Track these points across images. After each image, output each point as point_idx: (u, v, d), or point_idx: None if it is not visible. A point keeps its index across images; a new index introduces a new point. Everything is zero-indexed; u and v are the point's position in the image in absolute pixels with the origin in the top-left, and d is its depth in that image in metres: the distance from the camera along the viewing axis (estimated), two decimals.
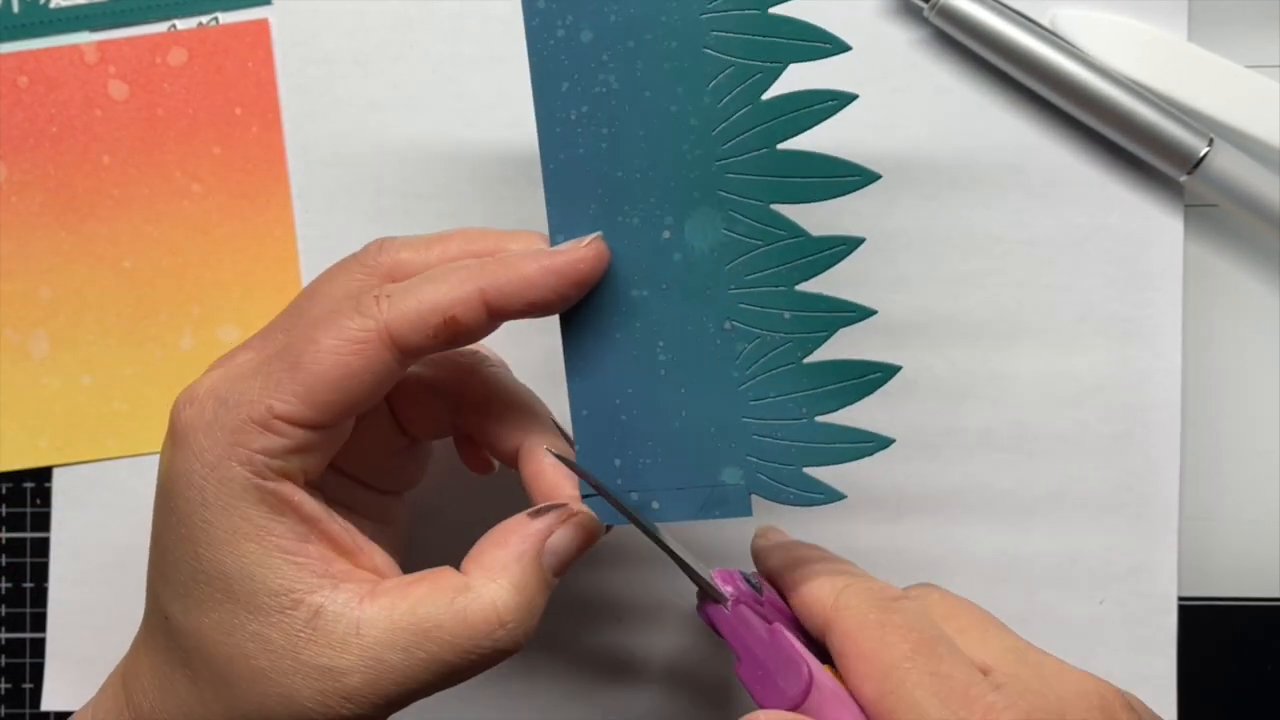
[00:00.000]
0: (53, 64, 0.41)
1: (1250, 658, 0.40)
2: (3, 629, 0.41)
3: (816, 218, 0.39)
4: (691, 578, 0.30)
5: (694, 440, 0.30)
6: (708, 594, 0.30)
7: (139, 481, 0.40)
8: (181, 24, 0.40)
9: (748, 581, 0.30)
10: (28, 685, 0.41)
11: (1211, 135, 0.37)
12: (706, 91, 0.29)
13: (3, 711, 0.41)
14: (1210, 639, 0.40)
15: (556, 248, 0.29)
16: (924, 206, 0.39)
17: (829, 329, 0.29)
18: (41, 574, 0.41)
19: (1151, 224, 0.39)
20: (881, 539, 0.39)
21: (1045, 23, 0.39)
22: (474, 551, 0.30)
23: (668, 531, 0.30)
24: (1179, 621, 0.39)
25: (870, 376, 0.29)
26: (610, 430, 0.30)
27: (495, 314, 0.28)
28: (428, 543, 0.35)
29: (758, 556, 0.32)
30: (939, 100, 0.39)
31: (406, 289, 0.28)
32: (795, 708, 0.27)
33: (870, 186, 0.39)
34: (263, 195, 0.40)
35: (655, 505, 0.30)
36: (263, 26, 0.40)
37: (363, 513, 0.33)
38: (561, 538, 0.30)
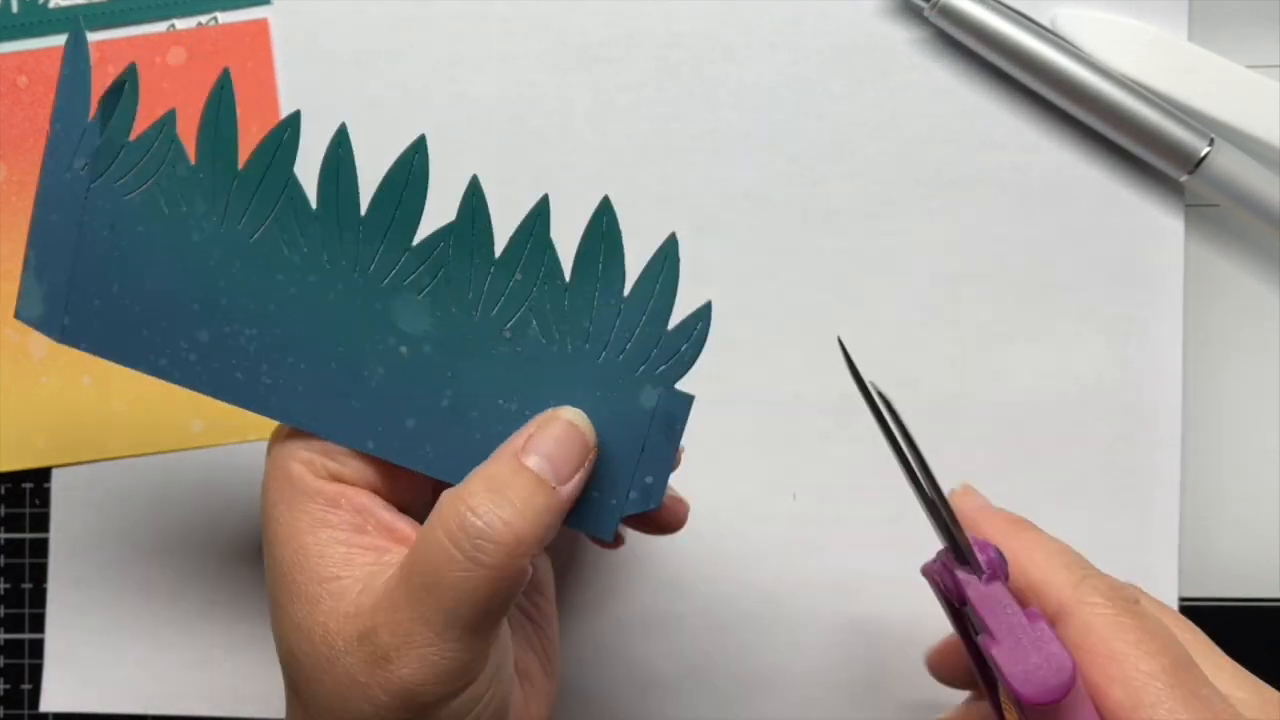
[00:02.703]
0: (52, 64, 0.41)
1: (1251, 658, 0.40)
2: (1, 630, 0.41)
3: (814, 218, 0.39)
4: (943, 530, 0.29)
5: (601, 411, 0.29)
6: (961, 558, 0.28)
7: (137, 482, 0.40)
8: (181, 24, 0.40)
9: (1000, 555, 0.29)
10: (26, 686, 0.41)
11: (1212, 135, 0.37)
12: (325, 264, 0.29)
13: (2, 712, 0.41)
14: (1211, 639, 0.39)
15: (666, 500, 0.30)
16: (924, 205, 0.39)
17: (541, 246, 0.29)
18: (40, 575, 0.41)
19: (1152, 224, 0.39)
20: (881, 538, 0.39)
21: (1045, 23, 0.39)
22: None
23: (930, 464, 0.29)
24: None
25: (669, 257, 0.29)
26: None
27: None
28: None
29: (968, 518, 0.31)
30: (939, 100, 0.39)
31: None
32: (1056, 701, 0.27)
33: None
34: None
35: (648, 480, 0.30)
36: (262, 26, 0.40)
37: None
38: (542, 436, 0.29)
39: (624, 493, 0.30)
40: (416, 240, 0.29)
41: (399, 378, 0.30)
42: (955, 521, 0.28)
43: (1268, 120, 0.38)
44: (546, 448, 0.28)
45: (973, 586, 0.28)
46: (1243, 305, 0.40)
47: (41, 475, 0.41)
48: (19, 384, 0.41)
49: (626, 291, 0.29)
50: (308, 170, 0.29)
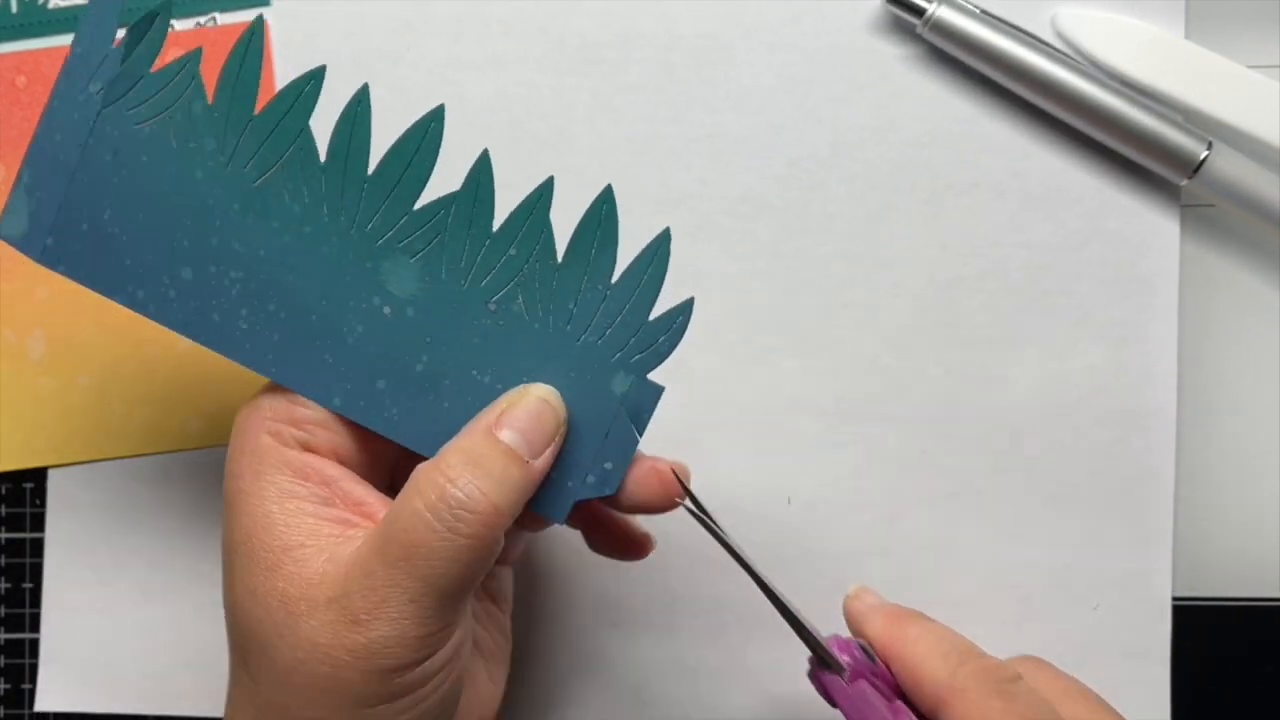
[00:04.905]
0: (51, 64, 0.41)
1: (1247, 658, 0.40)
2: (1, 629, 0.41)
3: (811, 222, 0.39)
4: (806, 642, 0.29)
5: (571, 392, 0.30)
6: (823, 661, 0.29)
7: (135, 483, 0.41)
8: (179, 24, 0.40)
9: (864, 651, 0.30)
10: (27, 686, 0.41)
11: (1210, 138, 0.37)
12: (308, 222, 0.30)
13: (2, 712, 0.41)
14: (1207, 639, 0.40)
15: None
16: (920, 211, 0.39)
17: (539, 225, 0.29)
18: (40, 575, 0.41)
19: (1148, 228, 0.39)
20: (876, 543, 0.39)
21: (1044, 21, 0.38)
22: None
23: (777, 586, 0.30)
24: (1175, 622, 0.39)
25: (660, 250, 0.30)
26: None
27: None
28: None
29: (854, 619, 0.32)
30: (935, 109, 0.39)
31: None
32: None
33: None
34: None
35: (607, 467, 0.30)
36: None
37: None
38: (515, 411, 0.29)
39: (582, 476, 0.30)
40: (418, 205, 0.29)
41: (377, 337, 0.30)
42: (804, 629, 0.29)
43: (1267, 120, 0.38)
44: (520, 423, 0.29)
45: (836, 687, 0.29)
46: (1239, 304, 0.40)
47: (42, 475, 0.41)
48: (17, 384, 0.41)
49: (615, 279, 0.30)
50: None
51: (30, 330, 0.41)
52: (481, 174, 0.30)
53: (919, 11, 0.38)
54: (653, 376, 0.30)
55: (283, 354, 0.30)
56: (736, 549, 0.30)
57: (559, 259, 0.30)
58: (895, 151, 0.39)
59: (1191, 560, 0.40)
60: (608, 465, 0.30)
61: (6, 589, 0.41)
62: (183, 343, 0.41)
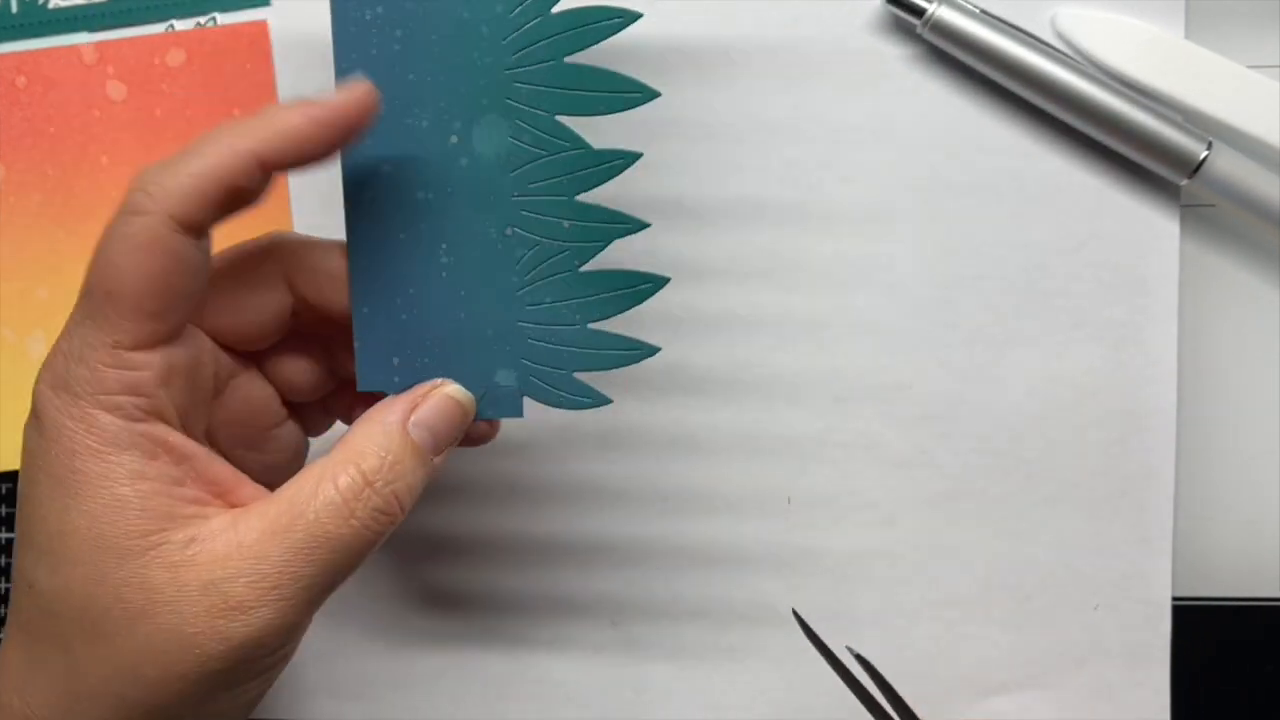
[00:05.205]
0: (51, 64, 0.41)
1: (1247, 658, 0.40)
2: (2, 630, 0.41)
3: (810, 222, 0.39)
4: None
5: (471, 342, 0.31)
6: None
7: None
8: (180, 25, 0.40)
9: None
10: None
11: (1210, 138, 0.37)
12: (499, 0, 0.30)
13: None
14: (1207, 639, 0.40)
15: (321, 97, 0.28)
16: (919, 211, 0.39)
17: (605, 239, 0.31)
18: None
19: (1147, 229, 0.39)
20: (875, 543, 0.39)
21: (1044, 21, 0.38)
22: (341, 438, 0.30)
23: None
24: (1175, 622, 0.39)
25: (641, 287, 0.31)
26: (390, 328, 0.31)
27: (270, 170, 0.28)
28: None
29: None
30: (934, 110, 0.39)
31: (169, 167, 0.27)
32: None
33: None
34: None
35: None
36: (261, 28, 0.40)
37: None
38: (427, 410, 0.30)
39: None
40: (562, 119, 0.30)
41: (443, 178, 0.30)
42: None
43: (1267, 120, 0.38)
44: (432, 419, 0.30)
45: None
46: (1239, 304, 0.40)
47: None
48: (17, 384, 0.41)
49: (595, 324, 0.31)
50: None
51: (31, 330, 0.41)
52: (619, 161, 0.30)
53: (919, 11, 0.38)
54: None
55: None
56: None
57: (583, 267, 0.30)
58: (895, 151, 0.39)
59: (1191, 560, 0.40)
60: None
61: (7, 589, 0.41)
62: None
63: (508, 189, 0.30)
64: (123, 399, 0.27)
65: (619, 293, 0.31)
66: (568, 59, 0.30)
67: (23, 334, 0.41)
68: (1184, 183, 0.38)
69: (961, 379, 0.39)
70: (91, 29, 0.40)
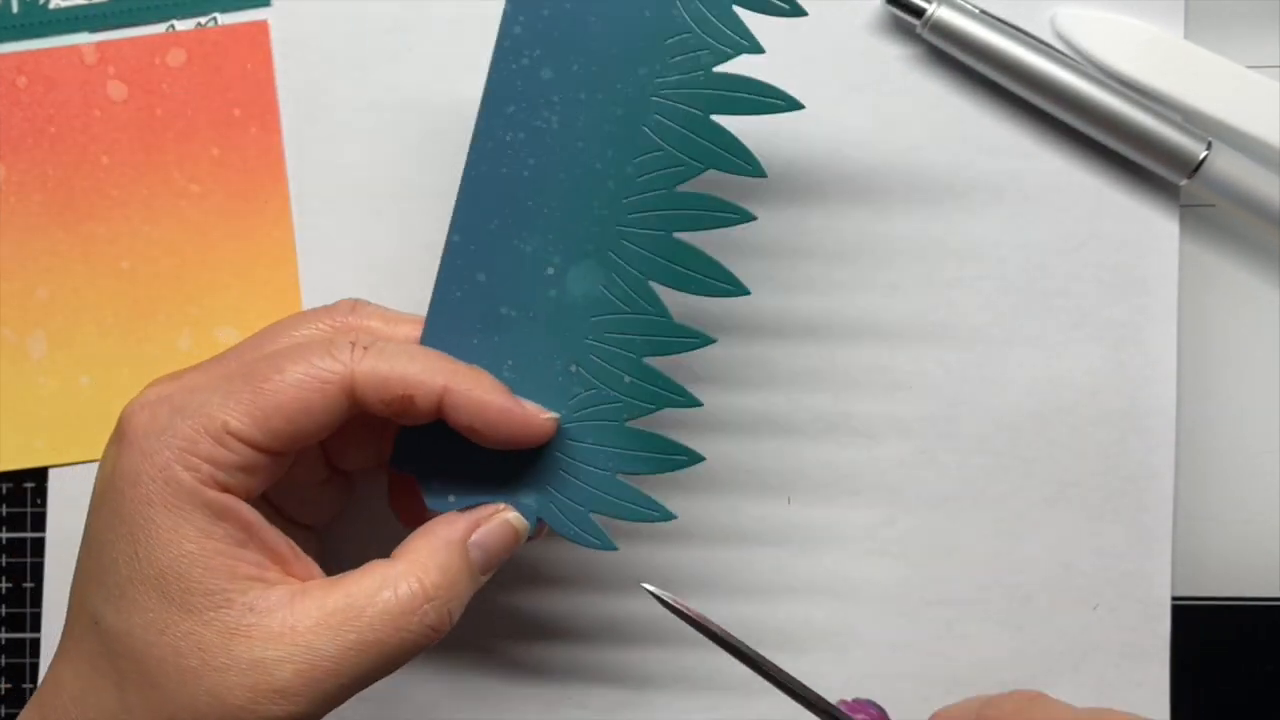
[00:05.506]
0: (52, 64, 0.41)
1: (1246, 658, 0.40)
2: (3, 629, 0.41)
3: (810, 223, 0.39)
4: (815, 710, 0.30)
5: (509, 459, 0.32)
6: None
7: None
8: (180, 25, 0.40)
9: (878, 709, 0.31)
10: (28, 685, 0.41)
11: (1209, 138, 0.37)
12: (631, 163, 0.31)
13: (2, 712, 0.41)
14: (1206, 639, 0.40)
15: (522, 403, 0.31)
16: (919, 212, 0.39)
17: (657, 404, 0.32)
18: (41, 575, 0.41)
19: (1146, 228, 0.39)
20: (875, 543, 0.39)
21: (1044, 21, 0.38)
22: (402, 545, 0.31)
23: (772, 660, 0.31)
24: (1174, 622, 0.39)
25: (675, 457, 0.32)
26: (440, 432, 0.31)
27: (444, 413, 0.30)
28: None
29: None
30: (934, 110, 0.39)
31: (384, 351, 0.30)
32: None
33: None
34: (261, 196, 0.40)
35: (451, 499, 0.32)
36: (262, 28, 0.40)
37: None
38: (487, 532, 0.31)
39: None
40: (681, 187, 0.32)
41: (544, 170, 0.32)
42: (812, 698, 0.31)
43: (1266, 120, 0.38)
44: (490, 542, 0.31)
45: None
46: (1239, 304, 0.40)
47: (43, 475, 0.41)
48: (18, 384, 0.41)
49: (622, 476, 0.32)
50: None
51: (31, 330, 0.41)
52: (690, 338, 0.32)
53: (919, 12, 0.38)
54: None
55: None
56: (719, 631, 0.31)
57: (627, 422, 0.32)
58: (895, 152, 0.39)
59: (1191, 560, 0.40)
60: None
61: (7, 589, 0.41)
62: (183, 342, 0.41)
63: (584, 331, 0.32)
64: (206, 468, 0.29)
65: (654, 455, 0.32)
66: (677, 234, 0.31)
67: (23, 334, 0.41)
68: (1183, 183, 0.38)
69: (961, 379, 0.39)
70: (92, 29, 0.40)
